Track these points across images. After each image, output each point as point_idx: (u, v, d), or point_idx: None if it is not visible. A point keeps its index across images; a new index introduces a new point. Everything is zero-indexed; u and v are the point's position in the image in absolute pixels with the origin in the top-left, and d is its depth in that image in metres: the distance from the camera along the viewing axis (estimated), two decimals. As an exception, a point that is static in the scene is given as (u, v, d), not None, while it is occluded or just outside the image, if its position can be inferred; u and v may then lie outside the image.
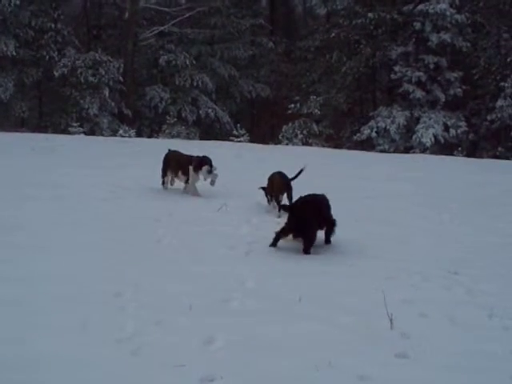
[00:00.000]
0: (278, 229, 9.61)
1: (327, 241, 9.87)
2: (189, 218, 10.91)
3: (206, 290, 7.39)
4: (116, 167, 15.80)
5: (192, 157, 12.97)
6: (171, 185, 13.41)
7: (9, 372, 5.26)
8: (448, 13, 33.64)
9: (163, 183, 13.38)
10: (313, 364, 5.65)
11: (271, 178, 12.08)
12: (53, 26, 35.45)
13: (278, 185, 11.86)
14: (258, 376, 5.43)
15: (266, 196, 12.11)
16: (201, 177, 12.76)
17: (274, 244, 9.52)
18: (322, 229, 9.78)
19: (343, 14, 38.00)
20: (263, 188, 12.15)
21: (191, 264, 8.35)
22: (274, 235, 9.53)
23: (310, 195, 9.89)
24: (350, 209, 11.86)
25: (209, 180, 12.74)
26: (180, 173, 13.02)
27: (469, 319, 6.98)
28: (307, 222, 9.44)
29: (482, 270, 8.77)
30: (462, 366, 5.84)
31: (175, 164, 13.13)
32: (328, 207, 10.01)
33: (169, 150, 13.60)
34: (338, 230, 10.06)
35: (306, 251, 9.32)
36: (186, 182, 12.99)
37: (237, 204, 11.95)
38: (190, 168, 12.73)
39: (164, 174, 13.34)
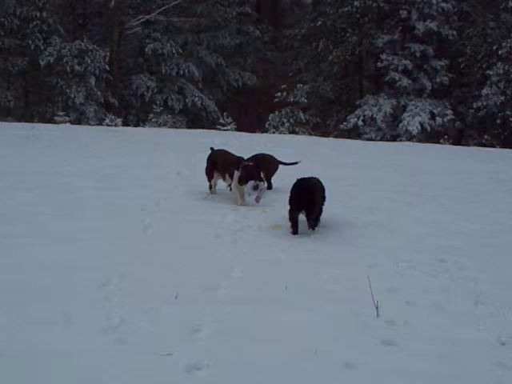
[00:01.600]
0: (286, 214, 9.84)
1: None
2: (175, 206, 10.88)
3: (193, 279, 7.38)
4: (102, 156, 15.72)
5: (241, 159, 11.53)
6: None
7: (-6, 362, 5.25)
8: (434, 1, 33.68)
9: (210, 187, 12.03)
10: (299, 352, 5.67)
11: (264, 158, 12.54)
12: (38, 14, 35.15)
13: (273, 164, 12.70)
14: (245, 364, 5.44)
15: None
16: (246, 190, 11.24)
17: (295, 231, 9.68)
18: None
19: (330, 2, 37.86)
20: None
21: (177, 253, 8.33)
22: (287, 223, 9.81)
23: (310, 177, 10.19)
24: (336, 197, 11.85)
25: (254, 195, 11.26)
26: (227, 176, 11.59)
27: (455, 307, 7.01)
28: (316, 197, 9.84)
29: (469, 257, 8.78)
30: (449, 353, 5.86)
31: (222, 165, 11.70)
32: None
33: (212, 150, 12.31)
34: (323, 218, 10.09)
35: (315, 226, 9.83)
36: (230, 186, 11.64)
37: (224, 192, 11.93)
38: (236, 174, 11.20)
39: (210, 177, 11.99)
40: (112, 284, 7.12)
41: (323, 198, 10.16)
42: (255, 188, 10.98)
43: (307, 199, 9.66)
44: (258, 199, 11.19)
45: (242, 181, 11.01)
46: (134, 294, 6.83)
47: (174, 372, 5.26)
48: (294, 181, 9.97)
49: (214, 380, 5.19)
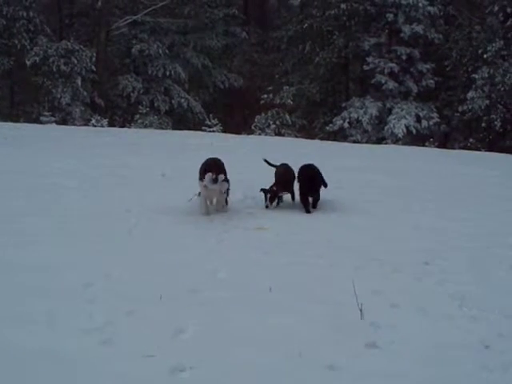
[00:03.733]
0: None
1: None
2: (160, 207, 10.86)
3: (177, 280, 7.38)
4: (87, 157, 15.69)
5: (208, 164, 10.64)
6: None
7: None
8: (421, 4, 33.81)
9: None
10: (283, 354, 5.67)
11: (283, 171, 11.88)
12: (25, 14, 35.00)
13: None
14: (228, 366, 5.43)
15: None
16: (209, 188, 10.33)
17: (309, 210, 11.30)
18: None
19: (316, 4, 37.91)
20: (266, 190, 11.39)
21: (162, 254, 8.32)
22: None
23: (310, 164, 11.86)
24: (322, 199, 11.87)
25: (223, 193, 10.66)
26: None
27: (439, 309, 7.02)
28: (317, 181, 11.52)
29: (454, 260, 8.81)
30: (433, 356, 5.87)
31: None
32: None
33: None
34: (309, 220, 10.12)
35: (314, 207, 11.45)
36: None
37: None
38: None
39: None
40: (96, 285, 7.10)
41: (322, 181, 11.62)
42: (214, 181, 10.17)
43: (315, 185, 11.46)
44: (219, 206, 10.75)
45: (201, 176, 10.30)
46: (118, 295, 6.81)
47: (157, 373, 5.25)
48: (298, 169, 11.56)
49: (197, 382, 5.18)
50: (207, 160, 10.77)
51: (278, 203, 11.54)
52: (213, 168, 10.33)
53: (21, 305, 6.40)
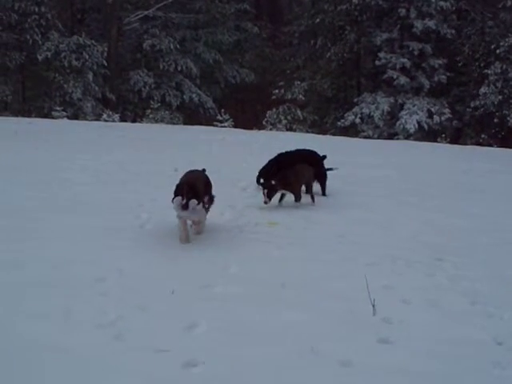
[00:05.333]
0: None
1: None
2: (171, 203, 10.85)
3: (189, 275, 7.37)
4: (99, 152, 15.71)
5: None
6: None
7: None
8: (433, -1, 33.70)
9: None
10: (295, 350, 5.66)
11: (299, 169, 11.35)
12: (36, 9, 35.10)
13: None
14: (241, 362, 5.43)
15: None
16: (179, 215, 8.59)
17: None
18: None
19: (328, -1, 37.91)
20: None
21: (174, 249, 8.32)
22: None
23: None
24: (334, 195, 11.86)
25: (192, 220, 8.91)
26: None
27: (451, 306, 7.00)
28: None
29: (466, 256, 8.79)
30: (444, 352, 5.86)
31: None
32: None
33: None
34: (321, 215, 10.11)
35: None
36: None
37: (221, 190, 11.86)
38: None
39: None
40: (109, 279, 7.10)
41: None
42: (184, 207, 8.22)
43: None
44: (196, 228, 8.98)
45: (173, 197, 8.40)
46: (130, 290, 6.82)
47: (170, 368, 5.25)
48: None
49: (209, 377, 5.18)
50: (183, 176, 9.10)
51: (280, 201, 11.10)
52: (185, 189, 8.31)
53: (34, 300, 6.41)
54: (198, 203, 8.36)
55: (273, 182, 10.64)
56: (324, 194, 11.95)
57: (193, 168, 9.70)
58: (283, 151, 12.33)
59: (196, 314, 6.30)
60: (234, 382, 5.12)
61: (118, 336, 5.76)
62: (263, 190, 10.71)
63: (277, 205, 10.98)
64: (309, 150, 12.48)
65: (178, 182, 8.69)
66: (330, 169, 12.16)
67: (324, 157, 12.26)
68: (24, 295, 6.51)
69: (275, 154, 12.28)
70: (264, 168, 11.97)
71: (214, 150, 17.25)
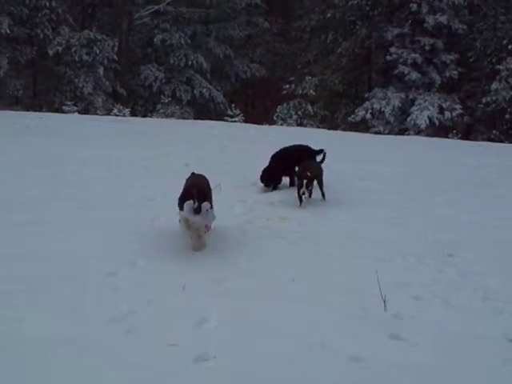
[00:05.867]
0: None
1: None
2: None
3: (200, 270, 7.38)
4: (110, 146, 15.73)
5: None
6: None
7: (3, 350, 5.26)
8: (445, -6, 33.57)
9: None
10: (306, 344, 5.67)
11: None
12: (47, 3, 35.18)
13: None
14: (251, 356, 5.44)
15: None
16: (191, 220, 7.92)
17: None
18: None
19: (339, -6, 37.81)
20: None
21: (185, 243, 8.33)
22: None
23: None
24: (344, 191, 11.85)
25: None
26: None
27: (462, 302, 6.99)
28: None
29: (477, 252, 8.76)
30: (455, 348, 5.85)
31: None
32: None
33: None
34: (331, 211, 10.11)
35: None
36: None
37: (231, 184, 11.90)
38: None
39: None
40: (120, 274, 7.12)
41: None
42: (196, 211, 7.70)
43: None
44: (199, 243, 8.11)
45: (180, 203, 7.95)
46: (142, 284, 6.84)
47: (181, 362, 5.27)
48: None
49: (220, 371, 5.19)
50: (188, 180, 8.69)
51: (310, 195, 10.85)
52: (195, 192, 7.82)
53: (46, 293, 6.44)
54: (210, 207, 7.93)
55: (308, 173, 10.54)
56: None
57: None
58: (278, 150, 12.24)
59: (207, 308, 6.31)
60: (245, 377, 5.13)
61: (130, 330, 5.78)
62: (300, 181, 10.51)
63: (287, 201, 10.96)
64: (302, 145, 12.43)
65: (183, 188, 8.25)
66: (323, 159, 12.00)
67: (320, 151, 12.20)
68: (36, 289, 6.54)
69: (273, 154, 12.22)
70: (267, 168, 11.87)
71: (224, 144, 17.24)
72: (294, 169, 11.71)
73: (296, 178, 10.95)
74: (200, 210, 7.71)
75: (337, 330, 6.03)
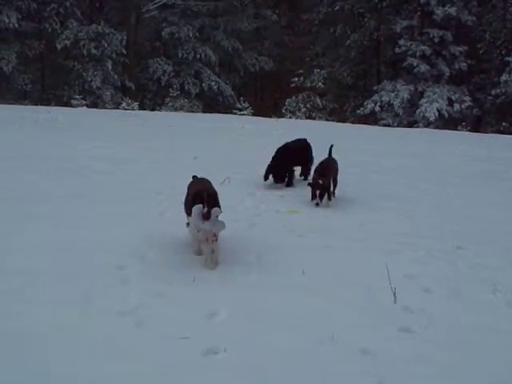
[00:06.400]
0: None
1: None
2: (192, 191, 10.85)
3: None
4: (119, 139, 15.75)
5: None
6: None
7: (11, 344, 5.27)
8: (454, -14, 33.43)
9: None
10: (316, 337, 5.66)
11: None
12: (55, -2, 35.22)
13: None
14: (262, 349, 5.43)
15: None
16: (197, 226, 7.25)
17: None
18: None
19: (348, -14, 37.72)
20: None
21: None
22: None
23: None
24: (354, 183, 11.83)
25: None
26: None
27: (472, 294, 6.97)
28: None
29: (487, 244, 8.74)
30: (465, 341, 5.84)
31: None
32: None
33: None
34: (341, 203, 10.09)
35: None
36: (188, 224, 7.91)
37: (240, 177, 11.90)
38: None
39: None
40: (130, 267, 7.12)
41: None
42: (206, 216, 7.03)
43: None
44: (212, 259, 7.32)
45: (189, 208, 7.37)
46: (151, 277, 6.83)
47: (191, 355, 5.26)
48: None
49: (230, 364, 5.19)
50: (192, 184, 8.21)
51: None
52: (205, 197, 7.18)
53: (55, 287, 6.44)
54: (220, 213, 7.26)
55: (320, 181, 10.30)
56: (306, 178, 12.05)
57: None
58: (281, 145, 12.15)
59: (217, 301, 6.31)
60: (255, 369, 5.13)
61: (139, 323, 5.78)
62: (313, 190, 10.32)
63: (296, 193, 10.95)
64: (300, 139, 12.41)
65: (189, 192, 7.86)
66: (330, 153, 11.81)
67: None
68: (44, 282, 6.54)
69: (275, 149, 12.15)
70: (271, 165, 11.78)
71: (233, 137, 17.23)
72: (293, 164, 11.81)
73: (310, 186, 10.55)
74: (210, 216, 7.04)
75: (347, 323, 6.02)
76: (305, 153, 12.15)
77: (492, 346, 5.76)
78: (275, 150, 11.88)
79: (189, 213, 7.38)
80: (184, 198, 7.92)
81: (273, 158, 11.69)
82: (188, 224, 7.80)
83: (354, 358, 5.41)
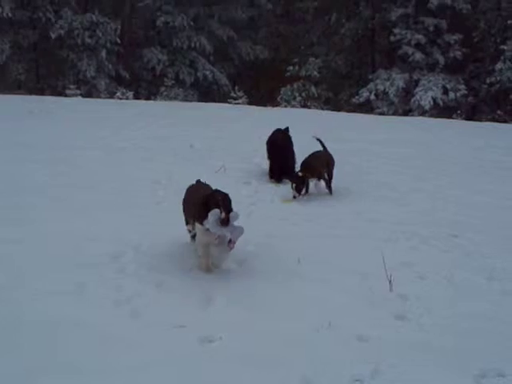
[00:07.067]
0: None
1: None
2: (187, 180, 10.79)
3: (206, 252, 7.37)
4: (114, 129, 15.70)
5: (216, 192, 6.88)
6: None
7: (7, 334, 5.27)
8: (449, -26, 33.33)
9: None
10: (312, 325, 5.68)
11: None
12: (49, -14, 35.03)
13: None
14: (258, 337, 5.45)
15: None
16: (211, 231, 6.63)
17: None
18: None
19: (343, -25, 37.62)
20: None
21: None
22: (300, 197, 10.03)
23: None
24: (348, 172, 11.83)
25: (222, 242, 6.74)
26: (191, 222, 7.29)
27: (468, 282, 7.00)
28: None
29: (482, 232, 8.77)
30: (461, 328, 5.87)
31: (188, 206, 7.44)
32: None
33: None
34: (336, 192, 10.11)
35: None
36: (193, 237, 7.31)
37: (235, 166, 11.89)
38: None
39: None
40: (125, 256, 7.12)
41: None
42: (224, 222, 6.45)
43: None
44: (220, 260, 6.93)
45: (201, 214, 6.61)
46: (147, 267, 6.83)
47: (187, 344, 5.27)
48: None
49: (227, 352, 5.20)
50: (194, 188, 7.65)
51: (306, 191, 10.40)
52: (222, 200, 6.57)
53: (51, 276, 6.44)
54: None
55: (299, 174, 10.16)
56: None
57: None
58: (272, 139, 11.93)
59: (213, 290, 6.32)
60: (251, 357, 5.14)
61: (135, 312, 5.79)
62: (292, 184, 10.15)
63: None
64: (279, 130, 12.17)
65: (185, 198, 7.56)
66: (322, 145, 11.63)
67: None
68: (41, 272, 6.54)
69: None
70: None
71: (228, 126, 17.19)
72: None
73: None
74: (228, 222, 6.46)
75: (343, 310, 6.05)
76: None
77: (487, 333, 5.79)
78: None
79: (199, 219, 6.68)
80: (183, 204, 7.53)
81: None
82: (190, 231, 7.37)
83: (350, 345, 5.43)
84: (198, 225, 6.75)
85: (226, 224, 6.43)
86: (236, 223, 6.60)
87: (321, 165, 10.52)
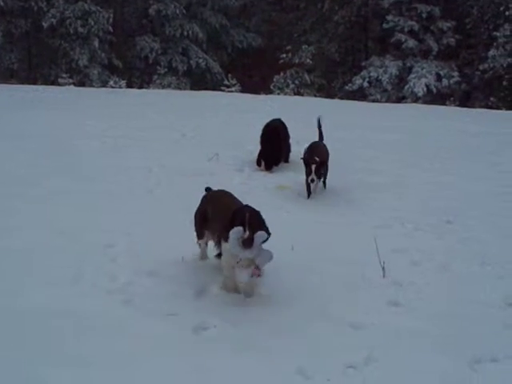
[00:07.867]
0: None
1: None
2: (180, 168, 10.83)
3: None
4: (106, 118, 15.65)
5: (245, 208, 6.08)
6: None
7: (2, 323, 5.26)
8: (442, -40, 33.28)
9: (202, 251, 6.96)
10: (305, 312, 5.68)
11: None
12: (41, -25, 34.86)
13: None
14: (251, 325, 5.45)
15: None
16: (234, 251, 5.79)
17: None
18: None
19: (335, -39, 37.49)
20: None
21: (184, 214, 8.25)
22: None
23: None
24: (342, 159, 11.81)
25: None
26: (216, 239, 6.50)
27: (461, 268, 7.01)
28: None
29: (475, 219, 8.77)
30: (454, 314, 5.87)
31: (213, 220, 6.59)
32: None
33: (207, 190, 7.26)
34: (330, 180, 10.10)
35: None
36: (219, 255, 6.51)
37: (228, 154, 11.87)
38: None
39: (200, 236, 6.87)
40: (119, 245, 7.11)
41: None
42: (247, 244, 5.63)
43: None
44: (256, 273, 5.80)
45: (225, 231, 5.84)
46: (140, 256, 6.81)
47: (181, 332, 5.27)
48: None
49: (220, 340, 5.20)
50: (213, 196, 6.94)
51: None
52: (247, 217, 5.74)
53: (44, 266, 6.42)
54: (266, 240, 5.78)
55: (317, 158, 9.50)
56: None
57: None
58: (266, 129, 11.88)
59: (206, 278, 6.31)
60: (245, 345, 5.14)
61: (128, 301, 5.78)
62: (309, 167, 9.40)
63: (285, 169, 10.89)
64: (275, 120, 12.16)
65: (201, 208, 6.93)
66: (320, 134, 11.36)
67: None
68: (34, 261, 6.53)
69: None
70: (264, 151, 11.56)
71: (221, 114, 17.15)
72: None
73: (304, 165, 9.66)
74: (251, 243, 5.64)
75: (336, 298, 6.05)
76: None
77: (481, 319, 5.79)
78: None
79: (223, 236, 5.93)
80: (197, 215, 6.87)
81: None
82: (200, 245, 6.89)
83: (344, 333, 5.44)
84: (223, 242, 6.00)
85: (249, 246, 5.63)
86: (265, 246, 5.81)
87: (327, 154, 10.24)
